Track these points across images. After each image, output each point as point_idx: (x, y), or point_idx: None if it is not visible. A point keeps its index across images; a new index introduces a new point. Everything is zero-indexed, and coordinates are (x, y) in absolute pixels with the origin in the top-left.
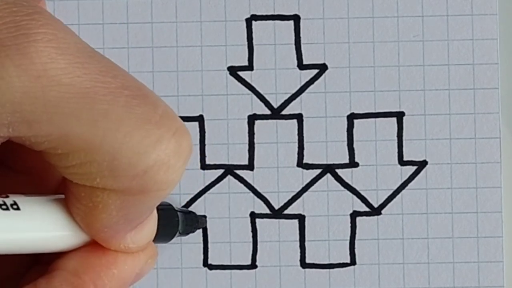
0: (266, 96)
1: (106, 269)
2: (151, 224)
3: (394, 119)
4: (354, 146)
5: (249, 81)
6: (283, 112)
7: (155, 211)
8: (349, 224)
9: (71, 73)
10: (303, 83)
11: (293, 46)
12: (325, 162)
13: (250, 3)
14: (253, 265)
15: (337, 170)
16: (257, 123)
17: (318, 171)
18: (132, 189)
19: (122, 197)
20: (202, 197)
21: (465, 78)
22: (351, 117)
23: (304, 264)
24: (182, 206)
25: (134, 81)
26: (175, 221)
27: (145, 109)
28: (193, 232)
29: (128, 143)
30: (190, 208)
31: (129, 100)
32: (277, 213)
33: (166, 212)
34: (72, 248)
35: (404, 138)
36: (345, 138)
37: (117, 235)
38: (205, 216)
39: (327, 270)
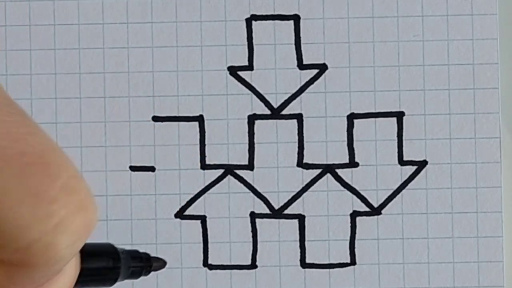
0: (266, 96)
1: None
2: (63, 281)
3: (394, 119)
4: (354, 146)
5: (249, 81)
6: (283, 112)
7: (71, 267)
8: (349, 224)
9: None
10: (303, 83)
11: (293, 46)
12: (325, 162)
13: (250, 3)
14: (253, 265)
15: (337, 170)
16: (257, 123)
17: (318, 171)
18: (16, 261)
19: (8, 268)
20: (202, 197)
21: (465, 78)
22: (351, 117)
23: (304, 264)
24: (182, 206)
25: (40, 145)
26: (116, 267)
27: (41, 181)
28: (145, 275)
29: (11, 216)
30: (190, 208)
31: (24, 169)
32: (277, 213)
33: (101, 254)
34: None
35: (404, 138)
36: (345, 138)
37: None
38: (161, 259)
39: (327, 270)
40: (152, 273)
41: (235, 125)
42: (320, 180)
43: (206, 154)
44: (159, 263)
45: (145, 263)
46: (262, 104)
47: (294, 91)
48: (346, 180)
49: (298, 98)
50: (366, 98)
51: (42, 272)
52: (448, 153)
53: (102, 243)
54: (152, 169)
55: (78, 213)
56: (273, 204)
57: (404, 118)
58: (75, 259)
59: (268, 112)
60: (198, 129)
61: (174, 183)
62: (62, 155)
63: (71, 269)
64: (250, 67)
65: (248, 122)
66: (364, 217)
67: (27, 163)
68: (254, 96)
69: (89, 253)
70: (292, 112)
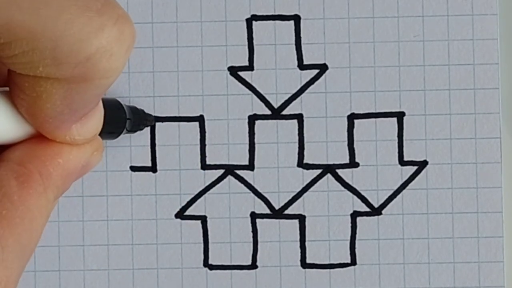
0: (267, 96)
1: (51, 159)
2: (97, 117)
3: (395, 119)
4: (355, 146)
5: (249, 81)
6: (284, 112)
7: (101, 105)
8: (350, 224)
9: None
10: (303, 83)
11: (294, 46)
12: (325, 162)
13: (251, 3)
14: (253, 265)
15: (337, 170)
16: (258, 123)
17: (319, 171)
18: (75, 77)
19: (66, 86)
20: (203, 197)
21: (466, 78)
22: (352, 117)
23: (304, 264)
24: (182, 206)
25: None
26: (123, 117)
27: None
28: (141, 129)
29: (69, 31)
30: (190, 209)
31: None
32: (277, 213)
33: (113, 108)
34: (17, 140)
35: (404, 138)
36: (346, 138)
37: (62, 126)
38: (152, 115)
39: (328, 270)
40: (152, 273)
41: (235, 125)
42: (320, 180)
43: (207, 154)
44: (150, 118)
45: (142, 118)
46: (263, 104)
47: (294, 91)
48: (347, 180)
49: (298, 98)
50: (367, 98)
51: (98, 89)
52: (448, 153)
53: (111, 98)
54: (152, 169)
55: (125, 24)
56: (273, 204)
57: (405, 118)
58: (101, 103)
59: (268, 112)
60: (198, 129)
61: (174, 183)
62: None
63: (101, 108)
64: (250, 67)
65: (249, 122)
66: (365, 217)
67: None
68: (255, 96)
69: (105, 105)
70: (292, 112)
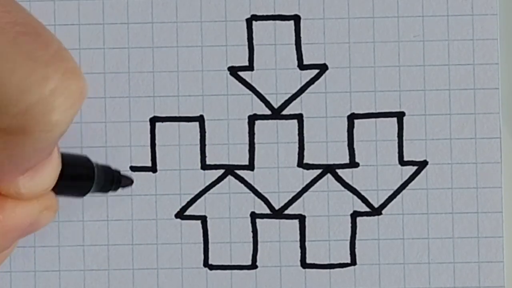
0: (267, 96)
1: None
2: (47, 171)
3: (395, 119)
4: (355, 146)
5: (249, 81)
6: (284, 112)
7: (55, 159)
8: (350, 224)
9: None
10: (303, 83)
11: (294, 46)
12: (325, 162)
13: (251, 3)
14: (253, 265)
15: (337, 170)
16: (258, 123)
17: (319, 171)
18: (13, 128)
19: (4, 137)
20: (203, 197)
21: (466, 78)
22: (352, 117)
23: (304, 264)
24: (182, 207)
25: (31, 19)
26: (89, 176)
27: (35, 47)
28: (115, 190)
29: (10, 79)
30: (191, 209)
31: (18, 36)
32: (277, 213)
33: (77, 164)
34: None
35: (404, 138)
36: (346, 138)
37: (4, 178)
38: (129, 177)
39: (328, 270)
40: (152, 273)
41: (235, 125)
42: (320, 180)
43: (207, 154)
44: (128, 181)
45: (116, 179)
46: (263, 104)
47: (294, 91)
48: (347, 180)
49: (298, 98)
50: (367, 98)
51: (39, 142)
52: (448, 153)
53: (79, 155)
54: (152, 169)
55: (72, 79)
56: (273, 204)
57: (405, 118)
58: (58, 157)
59: (268, 112)
60: (198, 129)
61: (174, 183)
62: (49, 30)
63: (55, 162)
64: (250, 67)
65: (249, 122)
66: (365, 217)
67: (20, 32)
68: (255, 96)
69: (68, 160)
70: (292, 112)
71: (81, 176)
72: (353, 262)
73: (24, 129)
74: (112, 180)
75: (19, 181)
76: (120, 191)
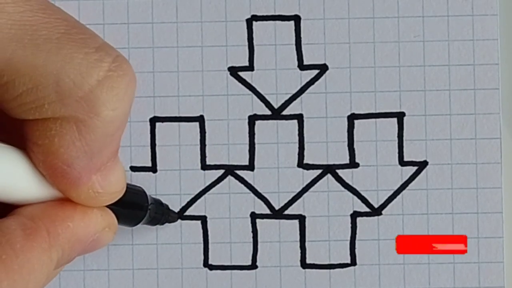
0: (267, 97)
1: (61, 220)
2: (118, 170)
3: (395, 120)
4: (355, 146)
5: (249, 81)
6: (284, 113)
7: (120, 162)
8: (350, 225)
9: (14, 3)
10: (303, 83)
11: (294, 47)
12: (325, 163)
13: (251, 3)
14: (253, 266)
15: (337, 171)
16: (258, 123)
17: (319, 171)
18: (82, 112)
19: (75, 125)
20: (203, 197)
21: (466, 78)
22: (352, 118)
23: (304, 265)
24: (183, 207)
25: (74, 19)
26: (144, 205)
27: (85, 37)
28: (161, 224)
29: (69, 64)
30: (191, 209)
31: (69, 29)
32: (277, 214)
33: (135, 192)
34: (37, 201)
35: (404, 138)
36: (346, 139)
37: (82, 176)
38: (176, 213)
39: (328, 270)
40: (152, 273)
41: (235, 125)
42: (320, 181)
43: (207, 154)
44: (173, 216)
45: (165, 213)
46: (263, 105)
47: (294, 91)
48: (347, 181)
49: (298, 99)
50: (367, 98)
51: (107, 125)
52: (448, 153)
53: (135, 185)
54: (152, 169)
55: (123, 60)
56: (273, 204)
57: (405, 118)
58: (119, 160)
59: (268, 112)
60: (198, 129)
61: (174, 184)
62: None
63: (121, 165)
64: (250, 67)
65: (249, 123)
66: (365, 218)
67: (69, 25)
68: (255, 97)
69: (127, 189)
70: (292, 113)
71: (136, 206)
72: (353, 262)
73: (91, 111)
74: (162, 214)
75: (94, 181)
76: (165, 225)
